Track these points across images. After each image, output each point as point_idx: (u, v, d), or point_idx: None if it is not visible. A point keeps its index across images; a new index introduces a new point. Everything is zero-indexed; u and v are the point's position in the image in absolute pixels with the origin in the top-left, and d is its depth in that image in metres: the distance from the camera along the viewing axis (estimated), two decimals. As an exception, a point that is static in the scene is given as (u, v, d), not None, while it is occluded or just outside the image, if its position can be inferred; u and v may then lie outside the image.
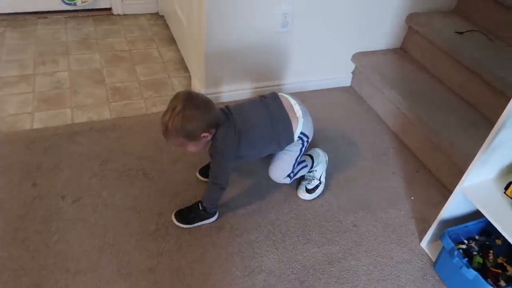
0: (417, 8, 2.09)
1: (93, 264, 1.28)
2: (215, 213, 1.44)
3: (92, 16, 2.58)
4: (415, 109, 1.81)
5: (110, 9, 2.63)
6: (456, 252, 1.22)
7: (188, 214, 1.42)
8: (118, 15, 2.64)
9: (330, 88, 2.20)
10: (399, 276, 1.36)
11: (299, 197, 1.57)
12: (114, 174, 1.56)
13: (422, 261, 1.41)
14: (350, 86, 2.24)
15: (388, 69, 2.06)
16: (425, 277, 1.36)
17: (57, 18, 2.51)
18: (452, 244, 1.24)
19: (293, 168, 1.47)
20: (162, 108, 1.95)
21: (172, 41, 2.45)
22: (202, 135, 1.26)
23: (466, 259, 1.25)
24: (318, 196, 1.58)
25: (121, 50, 2.32)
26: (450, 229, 1.29)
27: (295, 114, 1.40)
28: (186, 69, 2.22)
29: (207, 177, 1.45)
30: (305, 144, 1.45)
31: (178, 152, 1.68)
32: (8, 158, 1.59)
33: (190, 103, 1.22)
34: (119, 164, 1.61)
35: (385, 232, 1.49)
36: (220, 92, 1.98)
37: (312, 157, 1.58)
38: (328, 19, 1.94)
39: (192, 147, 1.30)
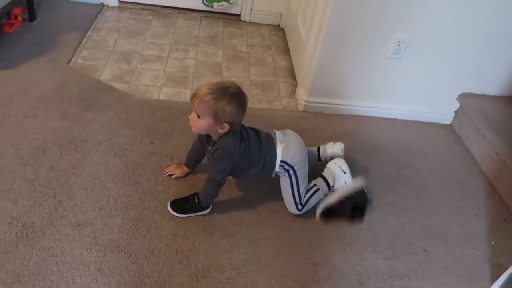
0: (539, 59, 2.04)
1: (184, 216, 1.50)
2: (208, 206, 1.52)
3: (223, 19, 2.92)
4: (515, 157, 1.77)
5: (239, 15, 2.95)
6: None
7: (183, 205, 1.50)
8: (245, 21, 2.95)
9: (429, 122, 2.22)
10: (461, 309, 1.36)
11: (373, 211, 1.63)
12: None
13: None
14: (450, 125, 2.23)
15: (495, 114, 2.03)
16: (489, 317, 1.34)
17: (194, 16, 2.90)
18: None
19: (295, 198, 1.51)
20: (266, 105, 2.17)
21: (286, 51, 2.67)
22: (223, 124, 1.33)
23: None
24: (392, 217, 1.63)
25: (241, 51, 2.60)
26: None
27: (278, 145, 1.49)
28: (293, 78, 2.41)
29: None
30: (291, 172, 1.49)
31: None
32: (136, 117, 1.90)
33: (241, 98, 1.34)
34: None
35: (455, 265, 1.49)
36: (319, 103, 2.13)
37: (325, 178, 1.59)
38: (441, 53, 1.99)
39: (202, 123, 1.34)
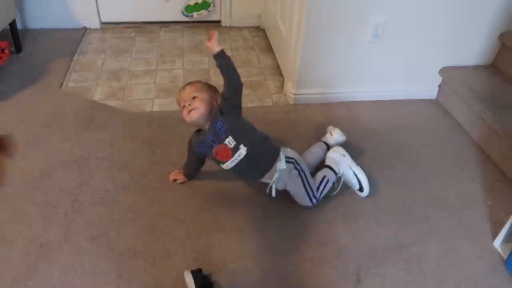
0: (511, 26, 2.12)
1: (194, 217, 1.55)
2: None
3: (204, 27, 2.99)
4: (501, 121, 1.84)
5: (219, 21, 3.02)
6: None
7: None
8: (226, 27, 3.02)
9: (415, 99, 2.30)
10: (469, 267, 1.42)
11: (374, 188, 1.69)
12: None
13: (493, 258, 1.46)
14: (436, 99, 2.31)
15: (477, 83, 2.11)
16: (494, 271, 1.41)
17: (176, 27, 2.96)
18: (524, 239, 1.28)
19: (309, 193, 1.55)
20: (257, 103, 2.23)
21: (269, 50, 2.74)
22: (217, 95, 1.49)
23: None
24: (392, 191, 1.70)
25: (226, 55, 2.67)
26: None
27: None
28: (280, 74, 2.48)
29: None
30: (299, 168, 1.53)
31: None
32: (134, 131, 1.96)
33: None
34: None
35: (458, 228, 1.56)
36: (308, 94, 2.20)
37: (330, 167, 1.65)
38: (419, 31, 2.07)
39: (200, 100, 1.42)
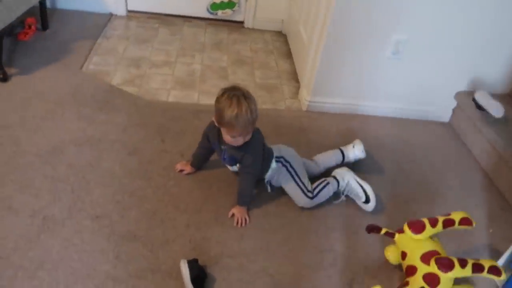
0: (532, 57, 2.12)
1: (196, 208, 1.58)
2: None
3: (227, 26, 3.03)
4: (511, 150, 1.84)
5: (242, 22, 3.06)
6: (523, 276, 1.26)
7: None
8: (248, 28, 3.06)
9: (428, 120, 2.30)
10: (462, 292, 1.42)
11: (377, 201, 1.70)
12: (223, 148, 1.87)
13: (489, 287, 1.45)
14: (449, 122, 2.31)
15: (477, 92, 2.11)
16: (488, 299, 1.40)
17: (199, 23, 3.00)
18: (521, 268, 1.28)
19: (302, 187, 1.59)
20: (270, 106, 2.26)
21: (289, 56, 2.77)
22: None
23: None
24: (395, 207, 1.71)
25: (245, 56, 2.70)
26: (523, 256, 1.33)
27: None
28: (296, 80, 2.50)
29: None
30: (289, 166, 1.60)
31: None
32: (147, 118, 1.99)
33: (251, 98, 1.41)
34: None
35: (456, 254, 1.55)
36: (322, 102, 2.21)
37: (334, 177, 1.69)
38: (438, 53, 2.08)
39: (245, 137, 1.44)
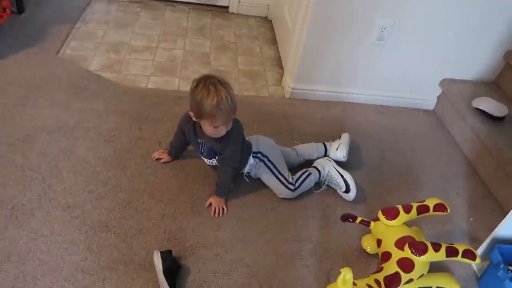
0: (518, 45, 2.09)
1: (173, 197, 1.53)
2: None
3: (211, 11, 2.95)
4: (495, 138, 1.82)
5: (227, 7, 2.98)
6: (502, 265, 1.25)
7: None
8: (233, 13, 2.98)
9: (413, 108, 2.27)
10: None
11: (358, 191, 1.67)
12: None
13: (468, 275, 1.44)
14: (433, 110, 2.29)
15: (476, 98, 2.08)
16: (467, 289, 1.39)
17: (182, 8, 2.92)
18: (500, 258, 1.27)
19: (282, 180, 1.56)
20: (253, 93, 2.20)
21: (274, 42, 2.71)
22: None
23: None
24: (376, 197, 1.68)
25: (229, 41, 2.64)
26: (502, 245, 1.32)
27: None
28: (280, 67, 2.45)
29: None
30: (266, 160, 1.56)
31: (260, 129, 1.90)
32: (125, 105, 1.93)
33: (228, 84, 1.34)
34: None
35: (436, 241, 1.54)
36: (305, 90, 2.17)
37: (315, 167, 1.66)
38: (424, 40, 2.04)
39: (227, 126, 1.39)
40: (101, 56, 2.27)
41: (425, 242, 1.24)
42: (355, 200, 1.63)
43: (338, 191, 1.65)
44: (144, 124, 1.83)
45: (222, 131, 1.39)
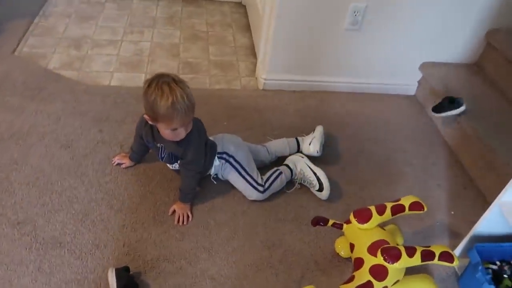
0: (499, 24, 1.98)
1: (134, 206, 1.43)
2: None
3: (182, -3, 2.80)
4: (476, 125, 1.73)
5: (198, -7, 2.83)
6: (480, 267, 1.17)
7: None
8: (205, 0, 2.83)
9: (392, 94, 2.17)
10: (419, 282, 1.33)
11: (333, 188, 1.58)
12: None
13: (447, 274, 1.37)
14: (414, 96, 2.19)
15: (457, 82, 1.99)
16: (446, 289, 1.32)
17: (151, -4, 2.77)
18: (479, 259, 1.19)
19: (250, 182, 1.46)
20: (224, 85, 2.09)
21: (248, 29, 2.57)
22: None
23: (491, 276, 1.19)
24: (351, 193, 1.60)
25: (200, 30, 2.50)
26: (481, 244, 1.24)
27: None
28: (254, 56, 2.32)
29: None
30: (232, 161, 1.46)
31: (231, 125, 1.79)
32: (84, 105, 1.81)
33: (183, 82, 1.23)
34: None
35: (414, 238, 1.46)
36: (279, 80, 2.05)
37: (287, 165, 1.57)
38: (401, 22, 1.92)
39: (187, 128, 1.29)
40: (61, 52, 2.13)
41: (399, 247, 1.16)
42: (330, 198, 1.54)
43: (311, 189, 1.56)
44: (105, 126, 1.72)
45: (181, 133, 1.28)
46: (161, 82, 1.21)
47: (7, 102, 1.76)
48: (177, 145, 1.33)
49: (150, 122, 1.30)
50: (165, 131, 1.27)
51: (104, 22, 2.43)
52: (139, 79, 2.04)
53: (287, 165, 1.57)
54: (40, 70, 1.99)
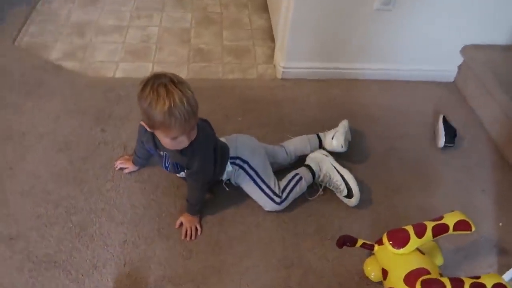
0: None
1: (137, 218, 1.29)
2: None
3: (193, -24, 2.58)
4: (528, 120, 1.49)
5: (211, -30, 2.60)
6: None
7: None
8: (218, -24, 2.61)
9: (428, 82, 1.93)
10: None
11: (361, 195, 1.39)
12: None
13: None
14: (453, 83, 1.94)
15: (506, 68, 1.73)
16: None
17: (160, -25, 2.56)
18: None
19: (266, 191, 1.30)
20: (238, 75, 1.90)
21: (265, 9, 2.35)
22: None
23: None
24: (382, 201, 1.40)
25: (213, 12, 2.29)
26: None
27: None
28: (272, 39, 2.11)
29: None
30: (246, 167, 1.30)
31: (246, 121, 1.62)
32: (86, 101, 1.67)
33: (183, 82, 1.05)
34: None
35: (454, 256, 1.27)
36: (299, 68, 1.84)
37: (309, 166, 1.39)
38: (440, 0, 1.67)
39: (192, 135, 1.13)
40: (64, 41, 1.98)
41: (442, 279, 0.97)
42: (357, 205, 1.36)
43: (337, 194, 1.38)
44: (107, 125, 1.57)
45: (183, 142, 1.11)
46: (157, 84, 1.02)
47: (4, 98, 1.63)
48: (181, 154, 1.16)
49: (148, 130, 1.13)
50: (165, 140, 1.10)
51: (110, 5, 2.25)
52: (146, 70, 1.87)
53: (308, 166, 1.39)
54: (40, 62, 1.84)
